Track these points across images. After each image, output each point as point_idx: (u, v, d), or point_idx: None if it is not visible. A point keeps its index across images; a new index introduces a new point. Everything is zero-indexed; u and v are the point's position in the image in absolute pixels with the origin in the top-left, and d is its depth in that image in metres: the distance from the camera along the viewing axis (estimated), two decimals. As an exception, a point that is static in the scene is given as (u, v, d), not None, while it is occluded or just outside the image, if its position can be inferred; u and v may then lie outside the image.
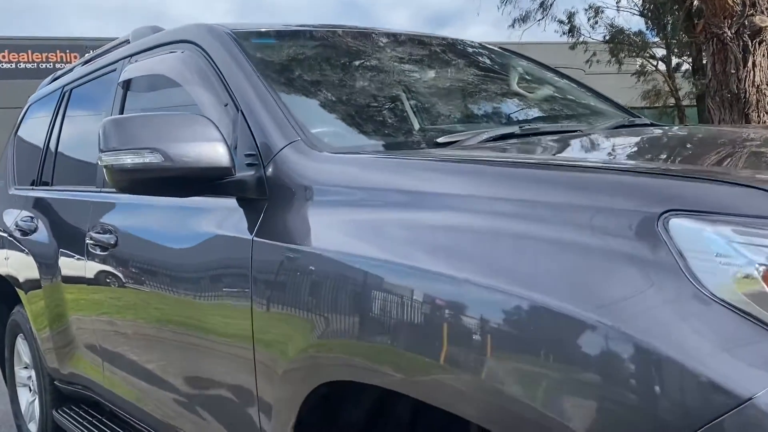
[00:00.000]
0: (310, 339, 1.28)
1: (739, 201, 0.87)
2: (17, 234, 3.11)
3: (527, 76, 2.60)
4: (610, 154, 1.60)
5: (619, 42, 15.29)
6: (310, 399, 1.35)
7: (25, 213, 3.11)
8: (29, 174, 3.39)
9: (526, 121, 2.11)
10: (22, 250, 3.04)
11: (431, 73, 2.19)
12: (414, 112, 1.94)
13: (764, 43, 8.08)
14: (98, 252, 2.31)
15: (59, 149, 3.08)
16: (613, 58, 15.40)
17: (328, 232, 1.39)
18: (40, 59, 23.57)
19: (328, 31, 2.22)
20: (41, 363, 3.07)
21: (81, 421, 2.77)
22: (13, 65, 23.53)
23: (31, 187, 3.25)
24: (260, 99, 1.71)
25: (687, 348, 0.80)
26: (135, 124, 1.60)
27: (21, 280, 3.07)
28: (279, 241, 1.46)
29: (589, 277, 0.92)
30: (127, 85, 2.41)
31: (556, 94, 2.47)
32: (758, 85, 8.13)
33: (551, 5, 13.32)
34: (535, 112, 2.25)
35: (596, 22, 15.01)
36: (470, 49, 2.51)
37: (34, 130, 3.52)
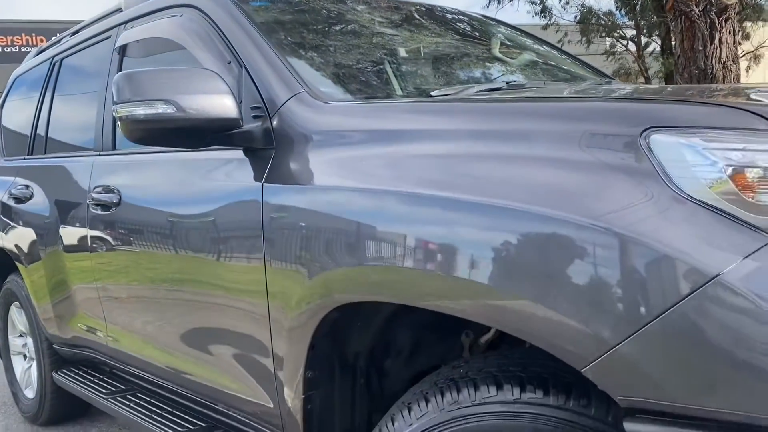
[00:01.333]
0: (339, 264, 1.39)
1: (707, 117, 1.01)
2: (11, 202, 3.16)
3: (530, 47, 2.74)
4: (594, 91, 1.75)
5: (589, 23, 15.51)
6: (322, 326, 1.48)
7: (19, 181, 3.16)
8: (18, 146, 3.43)
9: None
10: (18, 219, 3.10)
11: (426, 34, 2.31)
12: (407, 70, 2.06)
13: (730, 20, 8.31)
14: (100, 212, 2.39)
15: (52, 119, 3.14)
16: (584, 38, 15.63)
17: (333, 170, 1.51)
18: (5, 42, 23.07)
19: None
20: (39, 329, 3.14)
21: (82, 380, 2.86)
22: (2, 49, 23.00)
23: (23, 157, 3.30)
24: (264, 56, 1.81)
25: (665, 238, 0.94)
26: (147, 77, 1.68)
27: (18, 248, 3.12)
28: (288, 183, 1.58)
29: (585, 188, 1.05)
30: (123, 50, 2.48)
31: (538, 60, 2.60)
32: (724, 61, 8.38)
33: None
34: (522, 77, 2.39)
35: (567, 3, 15.19)
36: (455, 16, 2.64)
37: (21, 102, 3.55)
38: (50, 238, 2.81)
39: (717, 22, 8.14)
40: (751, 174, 0.92)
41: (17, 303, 3.39)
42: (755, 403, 0.87)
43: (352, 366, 1.65)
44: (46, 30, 20.12)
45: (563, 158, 1.11)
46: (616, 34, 15.65)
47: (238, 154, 1.77)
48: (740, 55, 15.96)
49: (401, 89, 1.94)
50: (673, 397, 0.93)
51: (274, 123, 1.69)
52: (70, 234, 2.65)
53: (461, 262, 1.15)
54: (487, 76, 2.30)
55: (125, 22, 2.56)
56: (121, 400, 2.57)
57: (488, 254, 1.11)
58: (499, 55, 2.49)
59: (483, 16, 2.79)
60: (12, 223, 3.19)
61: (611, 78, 2.68)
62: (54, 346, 3.08)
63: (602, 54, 16.58)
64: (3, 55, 21.55)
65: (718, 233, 0.92)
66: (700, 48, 8.24)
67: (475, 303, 1.16)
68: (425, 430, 1.23)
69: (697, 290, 0.89)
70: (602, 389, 1.00)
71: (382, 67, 2.01)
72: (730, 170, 0.93)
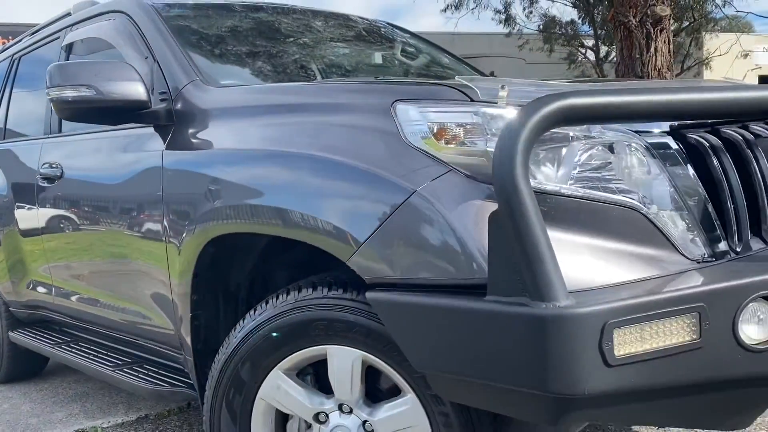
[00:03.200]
0: (211, 205, 1.85)
1: (425, 92, 1.51)
2: (-27, 183, 3.57)
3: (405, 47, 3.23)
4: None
5: (551, 32, 16.16)
6: (202, 258, 1.93)
7: (-19, 164, 3.58)
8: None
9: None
10: (-22, 194, 3.52)
11: (305, 37, 2.80)
12: (277, 63, 2.56)
13: (665, 30, 8.90)
14: (46, 185, 2.83)
15: (10, 109, 3.57)
16: (546, 46, 16.27)
17: (212, 136, 1.98)
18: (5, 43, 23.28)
19: (228, 3, 2.81)
20: (-3, 295, 3.55)
21: (33, 336, 3.28)
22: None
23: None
24: (171, 52, 2.28)
25: (394, 169, 1.42)
26: (74, 67, 2.14)
27: (-22, 223, 3.54)
28: (181, 149, 2.05)
29: (358, 141, 1.53)
30: (69, 48, 2.94)
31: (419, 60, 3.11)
32: (659, 69, 8.96)
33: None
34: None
35: (530, 12, 15.83)
36: (332, 20, 3.14)
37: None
38: (6, 212, 3.23)
39: (653, 32, 8.73)
40: (442, 128, 1.40)
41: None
42: (439, 271, 1.34)
43: (235, 295, 2.10)
44: (21, 33, 20.34)
45: (355, 122, 1.59)
46: (576, 43, 16.31)
47: (150, 130, 2.22)
48: (692, 64, 16.71)
49: (272, 79, 2.43)
50: (403, 272, 1.39)
51: (176, 104, 2.15)
52: (23, 207, 3.08)
53: (283, 194, 1.63)
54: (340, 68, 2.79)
55: (72, 25, 3.01)
56: (66, 347, 3.00)
57: (295, 187, 1.59)
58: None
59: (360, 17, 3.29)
60: (-26, 201, 3.60)
61: (485, 75, 3.18)
62: (10, 309, 3.49)
63: (564, 61, 17.23)
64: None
65: (422, 165, 1.40)
66: (637, 56, 8.81)
67: (288, 223, 1.62)
68: (273, 315, 1.68)
69: (405, 200, 1.37)
70: (359, 274, 1.47)
71: (258, 61, 2.50)
72: (431, 126, 1.41)
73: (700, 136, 1.48)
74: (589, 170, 1.37)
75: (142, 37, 2.42)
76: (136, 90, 2.14)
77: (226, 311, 2.09)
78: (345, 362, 1.62)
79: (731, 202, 1.45)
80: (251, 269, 2.08)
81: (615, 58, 16.86)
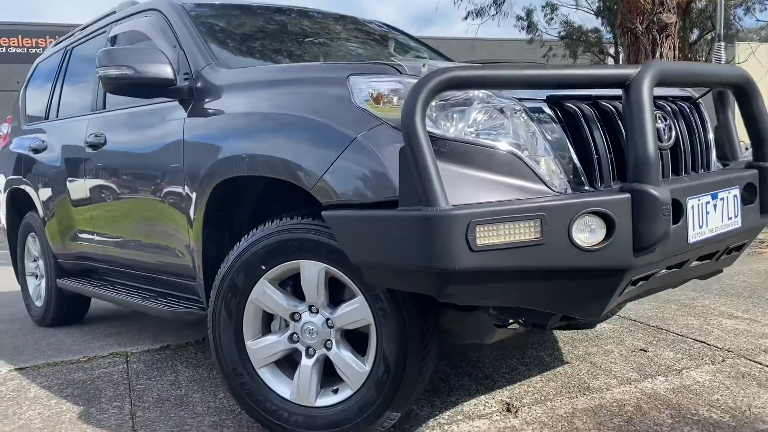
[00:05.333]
0: (218, 157, 2.42)
1: (371, 68, 2.05)
2: (30, 153, 4.22)
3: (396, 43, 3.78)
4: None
5: (573, 38, 16.56)
6: (212, 199, 2.50)
7: (37, 137, 4.23)
8: (38, 114, 4.50)
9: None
10: (35, 163, 4.16)
11: (309, 34, 3.38)
12: (279, 49, 3.14)
13: (670, 37, 9.30)
14: (91, 152, 3.45)
15: (63, 92, 4.21)
16: (569, 51, 16.67)
17: (222, 104, 2.55)
18: (30, 44, 24.40)
19: (241, 4, 3.40)
20: (48, 251, 4.18)
21: (78, 282, 3.90)
22: (4, 50, 24.37)
23: (41, 122, 4.37)
24: (194, 41, 2.87)
25: (344, 123, 1.96)
26: (118, 51, 2.73)
27: (35, 186, 4.18)
28: (198, 117, 2.63)
29: (322, 104, 2.08)
30: (114, 39, 3.55)
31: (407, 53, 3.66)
32: (664, 74, 9.34)
33: (503, 2, 14.55)
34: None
35: (551, 19, 16.27)
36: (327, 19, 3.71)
37: (41, 82, 4.63)
38: (58, 175, 3.86)
39: (658, 39, 9.13)
40: (379, 93, 1.95)
41: (33, 233, 4.45)
42: (370, 193, 1.87)
43: (238, 233, 2.67)
44: (66, 33, 21.31)
45: (320, 91, 2.14)
46: (595, 49, 16.68)
47: (175, 103, 2.81)
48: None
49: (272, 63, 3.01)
50: (347, 195, 1.93)
51: (196, 83, 2.73)
52: (72, 170, 3.70)
53: (269, 144, 2.19)
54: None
55: (115, 21, 3.63)
56: (103, 288, 3.61)
57: (278, 138, 2.15)
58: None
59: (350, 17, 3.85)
60: (30, 169, 4.24)
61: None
62: (59, 261, 4.12)
63: (586, 68, 17.56)
64: (28, 56, 22.78)
65: (363, 120, 1.94)
66: (643, 61, 9.22)
67: (272, 165, 2.18)
68: (262, 236, 2.23)
69: (351, 142, 1.92)
70: (318, 198, 2.01)
71: (263, 50, 3.08)
72: (372, 92, 1.96)
73: (573, 105, 2.00)
74: (482, 125, 1.90)
75: (171, 30, 3.01)
76: (165, 70, 2.73)
77: (231, 245, 2.66)
78: (312, 272, 2.17)
79: (595, 153, 1.97)
80: (251, 212, 2.65)
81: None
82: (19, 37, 24.47)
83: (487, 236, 1.68)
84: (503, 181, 1.85)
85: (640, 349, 3.09)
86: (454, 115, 1.89)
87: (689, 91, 2.61)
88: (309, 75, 2.28)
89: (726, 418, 2.31)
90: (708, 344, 3.13)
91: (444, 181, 1.70)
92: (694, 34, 16.69)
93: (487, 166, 1.86)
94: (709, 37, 15.36)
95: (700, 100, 2.55)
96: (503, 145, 1.88)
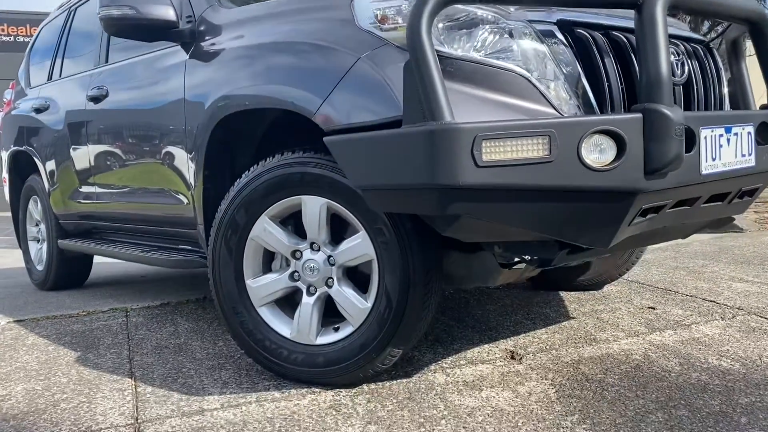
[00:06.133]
0: (219, 93, 2.37)
1: None
2: (33, 113, 4.19)
3: None
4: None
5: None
6: (213, 138, 2.45)
7: (40, 97, 4.19)
8: (42, 77, 4.46)
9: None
10: (38, 124, 4.12)
11: None
12: None
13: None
14: (93, 105, 3.40)
15: (67, 52, 4.17)
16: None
17: (223, 41, 2.50)
18: (24, 33, 24.46)
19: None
20: (50, 213, 4.14)
21: (79, 241, 3.86)
22: (12, 38, 24.38)
23: (43, 83, 4.33)
24: (196, -16, 2.82)
25: (351, 46, 1.91)
26: (120, -8, 2.69)
27: (37, 146, 4.15)
28: (198, 58, 2.58)
29: (326, 29, 2.03)
30: (117, -7, 3.50)
31: None
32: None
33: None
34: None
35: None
36: None
37: (45, 45, 4.59)
38: (60, 133, 3.82)
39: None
40: (384, 14, 1.89)
41: (35, 197, 4.41)
42: (374, 114, 1.82)
43: (240, 175, 2.62)
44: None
45: (323, 17, 2.09)
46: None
47: (177, 47, 2.76)
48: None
49: None
50: (350, 118, 1.88)
51: (199, 26, 2.68)
52: (74, 127, 3.66)
53: (271, 74, 2.15)
54: None
55: (119, -26, 3.57)
56: (104, 245, 3.57)
57: (280, 68, 2.11)
58: None
59: None
60: (33, 130, 4.21)
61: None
62: (60, 222, 4.09)
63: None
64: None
65: (367, 41, 1.89)
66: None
67: (274, 96, 2.13)
68: (263, 171, 2.18)
69: (354, 63, 1.87)
70: (321, 126, 1.96)
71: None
72: (377, 13, 1.91)
73: (585, 32, 1.94)
74: (490, 47, 1.84)
75: (175, -22, 2.96)
76: (168, 12, 2.68)
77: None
78: (314, 208, 2.12)
79: (606, 81, 1.91)
80: (253, 155, 2.59)
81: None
82: (27, 25, 24.49)
83: (493, 152, 1.62)
84: (511, 102, 1.80)
85: (649, 307, 3.03)
86: (462, 36, 1.84)
87: (703, 37, 2.55)
88: (311, 3, 2.22)
89: (736, 366, 2.25)
90: (717, 303, 3.06)
91: (451, 101, 1.65)
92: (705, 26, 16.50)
93: (495, 86, 1.80)
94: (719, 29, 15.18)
95: (713, 44, 2.49)
96: (512, 66, 1.82)
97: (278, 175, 2.16)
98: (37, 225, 4.56)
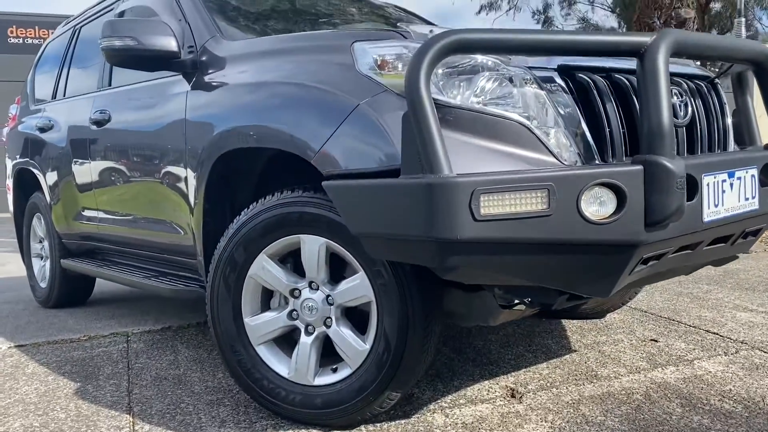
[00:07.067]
0: (220, 129, 2.37)
1: (375, 35, 1.98)
2: (37, 132, 4.19)
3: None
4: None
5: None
6: (213, 172, 2.44)
7: (44, 116, 4.20)
8: (46, 95, 4.47)
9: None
10: (41, 143, 4.13)
11: (320, 15, 3.32)
12: (279, 26, 3.08)
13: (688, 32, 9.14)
14: (96, 128, 3.40)
15: (71, 71, 4.17)
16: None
17: (224, 76, 2.49)
18: (46, 35, 24.46)
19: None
20: (53, 230, 4.15)
21: (81, 262, 3.87)
22: (21, 40, 24.49)
23: (48, 101, 4.33)
24: (199, 15, 2.82)
25: (348, 90, 1.89)
26: (122, 22, 2.68)
27: (41, 165, 4.16)
28: (201, 89, 2.57)
29: (326, 72, 2.02)
30: (121, 16, 3.50)
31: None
32: (681, 70, 9.18)
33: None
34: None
35: (568, 14, 16.10)
36: None
37: (50, 62, 4.60)
38: (63, 154, 3.82)
39: (676, 34, 8.96)
40: (383, 59, 1.88)
41: (39, 214, 4.42)
42: (373, 161, 1.81)
43: (240, 209, 2.61)
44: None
45: (324, 59, 2.08)
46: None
47: (179, 77, 2.76)
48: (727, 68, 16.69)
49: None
50: (348, 164, 1.87)
51: (200, 57, 2.68)
52: (77, 148, 3.66)
53: (271, 114, 2.13)
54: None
55: (123, -3, 3.58)
56: (106, 268, 3.57)
57: (280, 108, 2.09)
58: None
59: None
60: (37, 148, 4.21)
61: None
62: (63, 241, 4.09)
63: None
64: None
65: (367, 86, 1.87)
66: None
67: (274, 135, 2.12)
68: (262, 210, 2.17)
69: (353, 110, 1.86)
70: (319, 169, 1.95)
71: (269, 23, 3.02)
72: (377, 58, 1.89)
73: (586, 76, 1.92)
74: (490, 94, 1.83)
75: (178, 5, 2.96)
76: (170, 43, 2.67)
77: (232, 221, 2.60)
78: (313, 247, 2.11)
79: (607, 126, 1.89)
80: (253, 190, 2.58)
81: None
82: (36, 28, 24.59)
83: (491, 205, 1.60)
84: (511, 151, 1.78)
85: (651, 339, 3.00)
86: (461, 83, 1.82)
87: (707, 71, 2.52)
88: (313, 43, 2.22)
89: (738, 409, 2.23)
90: (721, 336, 3.04)
91: (449, 150, 1.63)
92: (713, 33, 16.46)
93: (494, 135, 1.79)
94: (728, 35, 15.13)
95: (718, 80, 2.46)
96: (511, 115, 1.80)
97: (277, 215, 2.15)
98: (40, 242, 4.57)
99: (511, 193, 1.62)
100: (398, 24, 3.05)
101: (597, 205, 1.68)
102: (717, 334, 3.07)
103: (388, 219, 1.72)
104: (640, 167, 1.68)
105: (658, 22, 9.08)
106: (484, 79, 1.83)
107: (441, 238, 1.61)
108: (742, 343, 2.92)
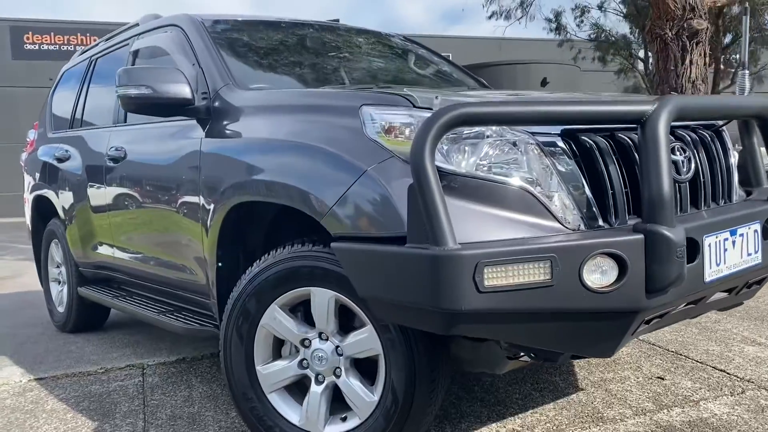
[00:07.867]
0: (234, 180, 2.43)
1: (383, 98, 2.03)
2: (55, 162, 4.29)
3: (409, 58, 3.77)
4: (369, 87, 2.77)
5: (603, 42, 16.34)
6: (226, 222, 2.51)
7: (61, 146, 4.29)
8: (63, 122, 4.57)
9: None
10: (59, 173, 4.22)
11: (330, 50, 3.37)
12: (295, 72, 3.14)
13: (701, 44, 9.09)
14: (112, 164, 3.49)
15: (87, 101, 4.26)
16: (597, 54, 16.44)
17: (239, 128, 2.56)
18: (61, 41, 24.74)
19: (263, 21, 3.40)
20: (70, 257, 4.24)
21: (98, 290, 3.95)
22: (37, 47, 24.77)
23: (65, 130, 4.43)
24: (212, 60, 2.88)
25: (355, 154, 1.95)
26: (137, 71, 2.75)
27: (58, 194, 4.25)
28: (215, 137, 2.64)
29: (335, 133, 2.07)
30: (136, 53, 3.58)
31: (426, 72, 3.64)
32: (693, 81, 9.16)
33: (531, 4, 14.41)
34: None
35: (582, 21, 16.06)
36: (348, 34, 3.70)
37: (67, 90, 4.70)
38: (80, 186, 3.91)
39: (688, 45, 8.93)
40: (390, 125, 1.93)
41: (56, 240, 4.52)
42: (379, 227, 1.86)
43: (252, 255, 2.67)
44: (98, 30, 21.55)
45: (333, 121, 2.13)
46: (624, 53, 16.43)
47: (193, 122, 2.83)
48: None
49: (289, 84, 3.00)
50: (356, 228, 1.92)
51: (213, 103, 2.74)
52: (93, 182, 3.75)
53: (281, 172, 2.19)
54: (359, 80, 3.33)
55: (138, 34, 3.66)
56: (121, 299, 3.65)
57: (289, 167, 2.15)
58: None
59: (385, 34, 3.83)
60: (54, 177, 4.31)
61: (485, 85, 3.69)
62: (80, 269, 4.18)
63: (615, 72, 17.35)
64: (60, 53, 23.09)
65: (374, 152, 1.93)
66: (672, 68, 9.04)
67: (286, 192, 2.18)
68: (273, 262, 2.23)
69: (361, 175, 1.91)
70: (328, 229, 2.00)
71: (280, 69, 3.08)
72: (384, 124, 1.95)
73: (588, 138, 1.96)
74: (494, 159, 1.87)
75: (191, 47, 3.03)
76: (183, 90, 2.74)
77: (245, 264, 2.67)
78: (323, 300, 2.17)
79: (610, 188, 1.93)
80: (265, 233, 2.65)
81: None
82: (52, 34, 24.86)
83: (495, 277, 1.65)
84: (515, 217, 1.83)
85: (657, 377, 3.03)
86: (466, 148, 1.87)
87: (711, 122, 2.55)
88: (323, 102, 2.27)
89: (743, 457, 2.26)
90: (728, 373, 3.06)
91: (454, 217, 1.69)
92: (727, 38, 16.37)
93: (499, 202, 1.83)
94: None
95: (723, 128, 2.49)
96: (515, 181, 1.85)
97: (288, 268, 2.21)
98: (58, 267, 4.66)
99: (514, 264, 1.66)
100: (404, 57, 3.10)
101: (599, 274, 1.72)
102: (724, 371, 3.09)
103: (395, 286, 1.77)
104: (641, 236, 1.72)
105: (670, 34, 9.04)
106: (488, 145, 1.88)
107: (446, 309, 1.66)
108: (748, 381, 2.94)
